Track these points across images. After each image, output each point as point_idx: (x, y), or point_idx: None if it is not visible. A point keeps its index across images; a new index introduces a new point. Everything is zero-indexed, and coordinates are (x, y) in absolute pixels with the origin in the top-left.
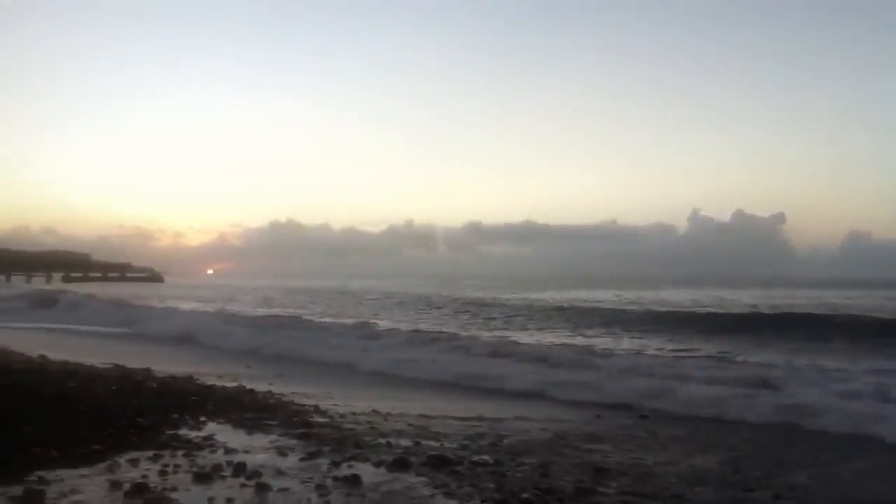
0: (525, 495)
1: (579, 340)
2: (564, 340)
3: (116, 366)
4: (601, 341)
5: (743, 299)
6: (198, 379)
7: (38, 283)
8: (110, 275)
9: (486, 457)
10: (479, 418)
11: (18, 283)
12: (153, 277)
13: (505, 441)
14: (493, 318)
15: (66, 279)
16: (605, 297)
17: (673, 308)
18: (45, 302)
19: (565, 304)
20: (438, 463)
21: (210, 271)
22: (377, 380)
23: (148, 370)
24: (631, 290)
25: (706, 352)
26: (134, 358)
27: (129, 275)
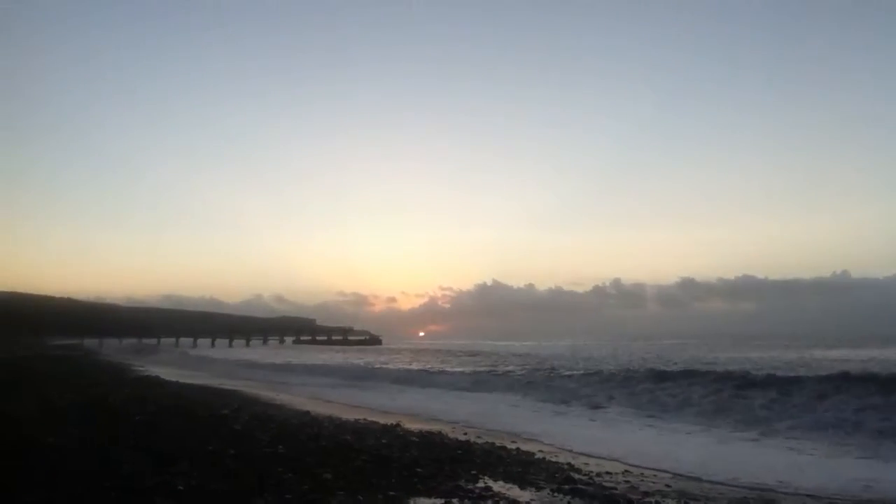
0: None
1: None
2: None
3: (372, 420)
4: None
5: None
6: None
7: (273, 345)
8: (334, 337)
9: None
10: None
11: (256, 345)
12: (372, 340)
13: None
14: None
15: (297, 341)
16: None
17: None
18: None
19: None
20: None
21: (421, 333)
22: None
23: (399, 424)
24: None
25: None
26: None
27: (350, 337)
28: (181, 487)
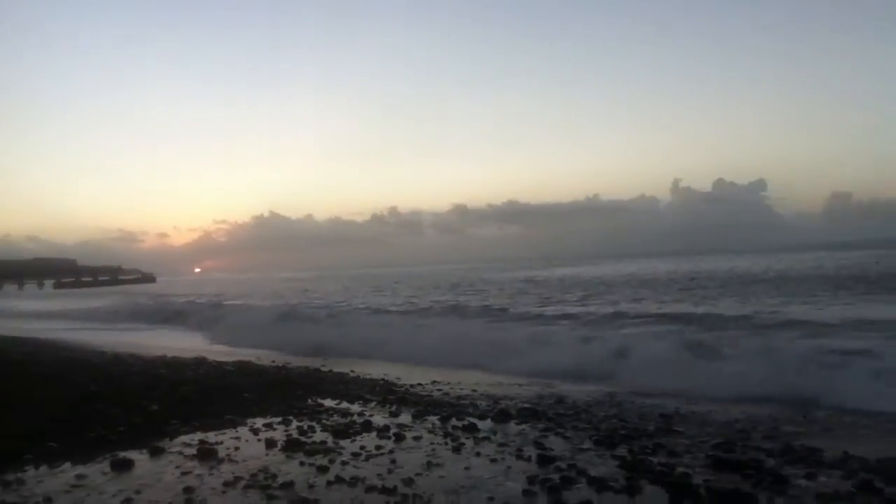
0: (623, 432)
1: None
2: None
3: (176, 356)
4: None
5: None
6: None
7: (32, 290)
8: (101, 278)
9: (561, 410)
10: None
11: (11, 291)
12: (145, 278)
13: (566, 400)
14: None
15: (58, 285)
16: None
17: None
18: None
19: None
20: (530, 414)
21: (197, 269)
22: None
23: (206, 358)
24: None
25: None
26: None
27: (120, 277)
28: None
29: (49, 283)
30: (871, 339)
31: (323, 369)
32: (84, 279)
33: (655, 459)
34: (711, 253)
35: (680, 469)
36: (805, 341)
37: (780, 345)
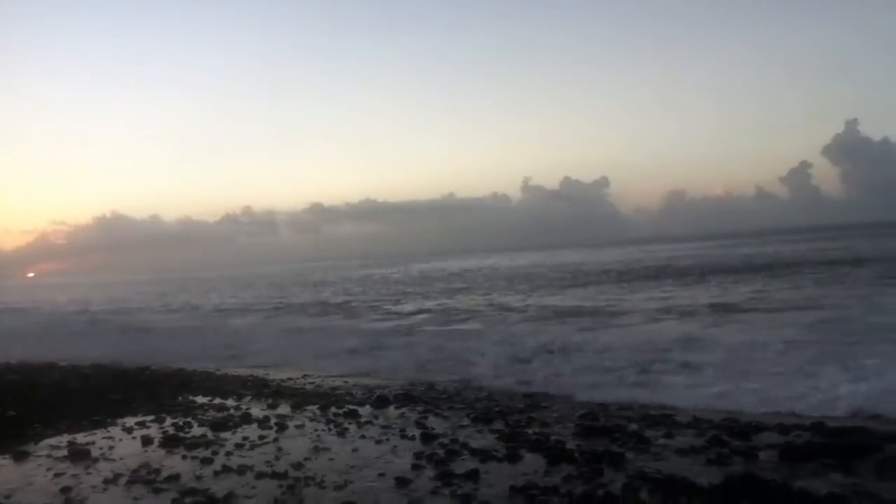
0: (497, 409)
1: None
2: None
3: (24, 361)
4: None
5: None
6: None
7: None
8: None
9: (435, 395)
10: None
11: None
12: None
13: (437, 386)
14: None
15: None
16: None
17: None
18: None
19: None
20: (407, 399)
21: (31, 274)
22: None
23: (56, 362)
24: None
25: None
26: None
27: None
28: None
29: None
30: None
31: (187, 369)
32: None
33: (530, 430)
34: (555, 248)
35: (554, 437)
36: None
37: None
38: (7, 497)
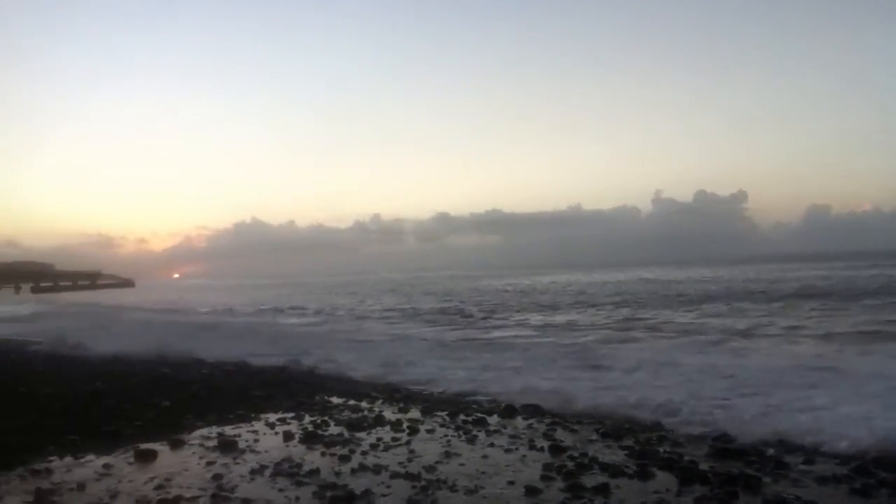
0: (626, 427)
1: None
2: None
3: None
4: None
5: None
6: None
7: (8, 294)
8: (80, 283)
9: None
10: None
11: None
12: (125, 283)
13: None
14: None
15: (36, 290)
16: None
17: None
18: None
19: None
20: (535, 410)
21: (176, 275)
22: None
23: (203, 359)
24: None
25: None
26: None
27: (99, 282)
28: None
29: (26, 286)
30: None
31: (322, 371)
32: (62, 283)
33: (661, 448)
34: (688, 263)
35: (687, 457)
36: None
37: None
38: (167, 480)
